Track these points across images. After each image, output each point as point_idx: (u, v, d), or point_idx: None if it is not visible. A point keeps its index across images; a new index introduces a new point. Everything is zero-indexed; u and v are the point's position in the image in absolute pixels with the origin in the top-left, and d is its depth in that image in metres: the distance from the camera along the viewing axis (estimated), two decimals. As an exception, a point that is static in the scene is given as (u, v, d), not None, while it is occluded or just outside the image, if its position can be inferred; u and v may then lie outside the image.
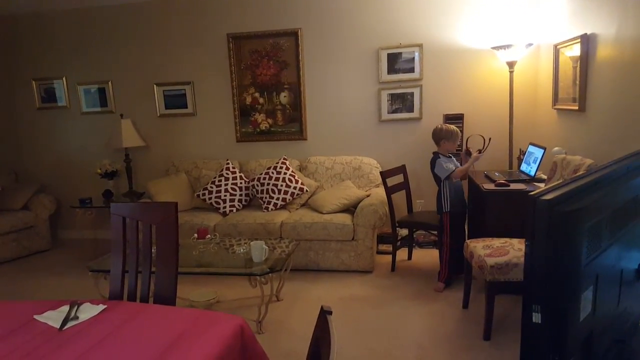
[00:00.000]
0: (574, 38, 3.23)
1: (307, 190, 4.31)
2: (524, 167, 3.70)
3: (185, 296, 3.22)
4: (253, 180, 4.43)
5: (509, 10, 4.10)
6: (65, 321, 1.68)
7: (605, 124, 2.90)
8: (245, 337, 1.65)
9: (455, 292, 3.34)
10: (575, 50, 3.21)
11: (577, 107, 3.22)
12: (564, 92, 3.51)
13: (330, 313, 1.23)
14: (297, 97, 4.66)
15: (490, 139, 3.61)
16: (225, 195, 4.35)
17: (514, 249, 2.74)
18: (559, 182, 1.20)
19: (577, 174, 1.76)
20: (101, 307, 1.80)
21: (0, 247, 4.52)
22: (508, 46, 3.87)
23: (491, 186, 3.26)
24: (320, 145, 4.71)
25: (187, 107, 4.91)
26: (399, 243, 4.00)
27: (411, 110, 4.46)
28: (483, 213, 3.29)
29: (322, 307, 1.27)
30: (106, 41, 4.94)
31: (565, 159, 2.98)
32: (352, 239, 3.80)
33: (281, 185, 4.25)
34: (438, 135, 3.48)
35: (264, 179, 4.34)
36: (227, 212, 4.30)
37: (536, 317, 1.08)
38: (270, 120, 4.78)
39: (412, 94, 4.43)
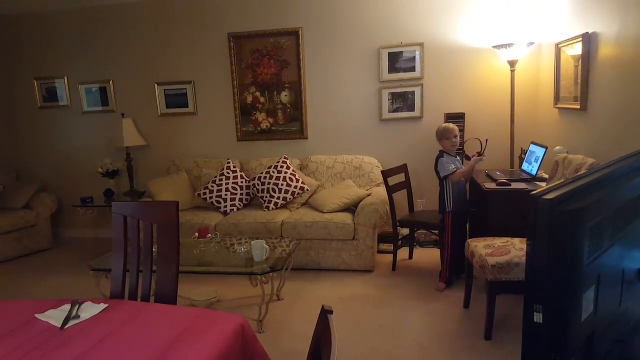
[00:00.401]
0: (575, 37, 3.23)
1: (308, 190, 4.31)
2: (525, 166, 3.70)
3: (186, 295, 3.22)
4: (254, 179, 4.44)
5: (510, 9, 4.09)
6: (66, 320, 1.68)
7: (607, 123, 2.89)
8: (246, 336, 1.65)
9: (456, 292, 3.34)
10: (577, 50, 3.21)
11: (578, 107, 3.21)
12: (566, 91, 3.50)
13: (331, 312, 1.23)
14: (298, 96, 4.66)
15: (487, 140, 3.60)
16: (226, 195, 4.35)
17: (515, 248, 2.73)
18: (561, 181, 1.20)
19: (579, 174, 1.76)
20: (102, 306, 1.80)
21: (2, 246, 4.53)
22: (509, 45, 3.87)
23: (492, 185, 3.26)
24: (321, 144, 4.70)
25: (188, 107, 4.92)
26: (400, 242, 4.00)
27: (412, 109, 4.45)
28: (484, 212, 3.28)
29: (323, 307, 1.26)
30: (108, 41, 4.94)
31: (567, 159, 2.97)
32: (353, 238, 3.80)
33: (282, 185, 4.25)
34: (438, 136, 3.52)
35: (265, 178, 4.34)
36: (228, 211, 4.30)
37: (538, 317, 1.08)
38: (271, 120, 4.78)
39: (413, 93, 4.42)
